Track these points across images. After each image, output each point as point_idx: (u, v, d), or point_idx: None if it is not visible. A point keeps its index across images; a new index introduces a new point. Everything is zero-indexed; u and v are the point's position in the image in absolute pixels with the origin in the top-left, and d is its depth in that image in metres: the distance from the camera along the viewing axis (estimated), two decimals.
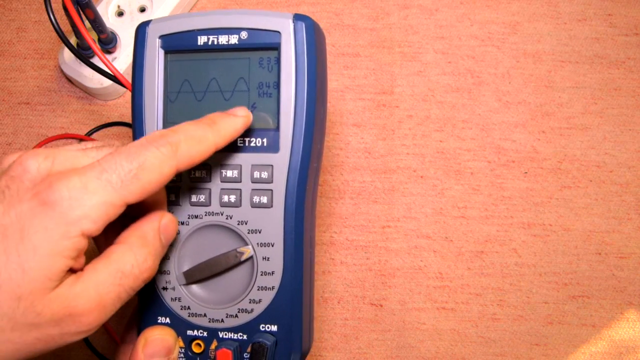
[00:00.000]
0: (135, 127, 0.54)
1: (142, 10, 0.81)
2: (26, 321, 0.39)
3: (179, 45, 0.54)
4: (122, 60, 0.79)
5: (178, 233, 0.54)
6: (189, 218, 0.53)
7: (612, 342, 0.75)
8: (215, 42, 0.53)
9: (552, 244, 0.77)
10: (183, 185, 0.53)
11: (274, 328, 0.52)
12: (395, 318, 0.76)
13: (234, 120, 0.49)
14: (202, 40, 0.53)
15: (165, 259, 0.54)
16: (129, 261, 0.44)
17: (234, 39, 0.53)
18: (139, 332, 0.54)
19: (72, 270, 0.42)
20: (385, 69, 0.81)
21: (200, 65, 0.54)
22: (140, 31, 0.54)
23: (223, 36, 0.53)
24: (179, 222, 0.54)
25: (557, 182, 0.78)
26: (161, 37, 0.54)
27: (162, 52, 0.54)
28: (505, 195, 0.78)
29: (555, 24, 0.83)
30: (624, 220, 0.78)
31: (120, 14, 0.81)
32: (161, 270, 0.54)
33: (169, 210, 0.53)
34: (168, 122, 0.54)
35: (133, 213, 0.48)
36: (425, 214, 0.78)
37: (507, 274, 0.77)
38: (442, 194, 0.78)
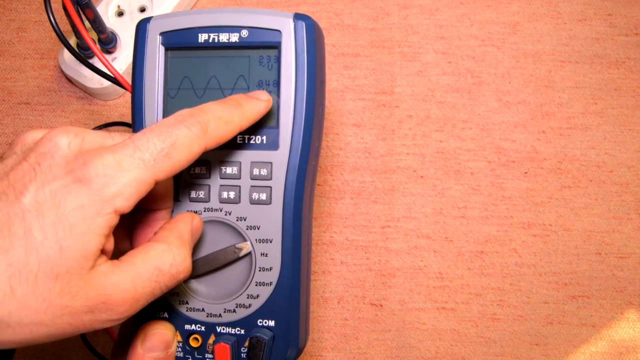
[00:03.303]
0: (135, 122, 0.54)
1: (142, 10, 0.81)
2: (61, 303, 0.39)
3: (179, 42, 0.54)
4: (122, 60, 0.79)
5: None
6: None
7: (612, 342, 0.75)
8: (216, 40, 0.53)
9: (552, 244, 0.77)
10: (182, 182, 0.54)
11: (272, 323, 0.52)
12: (395, 318, 0.76)
13: (257, 103, 0.50)
14: (202, 37, 0.53)
15: None
16: (168, 260, 0.45)
17: (234, 37, 0.53)
18: (137, 327, 0.54)
19: (103, 252, 0.42)
20: (385, 69, 0.81)
21: (201, 63, 0.54)
22: (141, 27, 0.55)
23: (224, 34, 0.53)
24: None
25: (557, 182, 0.78)
26: (162, 33, 0.54)
27: (162, 48, 0.54)
28: (505, 195, 0.78)
29: (555, 24, 0.83)
30: (624, 220, 0.78)
31: (120, 14, 0.81)
32: None
33: None
34: None
35: (142, 204, 0.48)
36: (425, 214, 0.78)
37: (507, 274, 0.76)
38: (442, 194, 0.78)
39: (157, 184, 0.44)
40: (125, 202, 0.41)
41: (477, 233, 0.77)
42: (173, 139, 0.43)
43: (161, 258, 0.44)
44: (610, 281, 0.76)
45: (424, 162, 0.79)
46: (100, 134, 0.46)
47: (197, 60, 0.54)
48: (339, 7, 0.84)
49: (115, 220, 0.41)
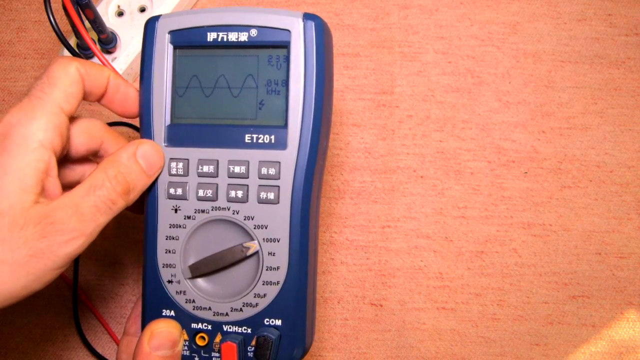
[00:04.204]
0: (143, 121, 0.55)
1: (142, 10, 0.81)
2: (12, 236, 0.44)
3: (188, 40, 0.54)
4: (121, 60, 0.79)
5: (184, 227, 0.54)
6: (195, 212, 0.54)
7: (612, 342, 0.75)
8: (225, 39, 0.53)
9: (552, 244, 0.77)
10: (190, 180, 0.54)
11: (279, 322, 0.53)
12: (395, 318, 0.76)
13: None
14: (211, 36, 0.54)
15: (170, 252, 0.54)
16: (100, 177, 0.49)
17: (243, 37, 0.53)
18: (143, 325, 0.54)
19: (47, 196, 0.47)
20: (385, 69, 0.81)
21: (209, 62, 0.54)
22: (150, 26, 0.55)
23: (233, 33, 0.53)
24: (184, 216, 0.54)
25: (557, 182, 0.79)
26: (170, 32, 0.54)
27: (171, 47, 0.54)
28: (505, 195, 0.78)
29: (555, 24, 0.83)
30: (624, 220, 0.78)
31: (120, 14, 0.81)
32: (166, 263, 0.54)
33: (176, 204, 0.54)
34: (176, 116, 0.54)
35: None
36: (425, 214, 0.78)
37: (507, 274, 0.77)
38: (442, 194, 0.78)
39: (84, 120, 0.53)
40: (44, 133, 0.46)
41: (477, 233, 0.78)
42: (49, 72, 0.49)
43: (93, 177, 0.49)
44: (610, 281, 0.77)
45: (424, 162, 0.79)
46: None
47: (206, 59, 0.55)
48: (339, 7, 0.84)
49: (45, 154, 0.46)
